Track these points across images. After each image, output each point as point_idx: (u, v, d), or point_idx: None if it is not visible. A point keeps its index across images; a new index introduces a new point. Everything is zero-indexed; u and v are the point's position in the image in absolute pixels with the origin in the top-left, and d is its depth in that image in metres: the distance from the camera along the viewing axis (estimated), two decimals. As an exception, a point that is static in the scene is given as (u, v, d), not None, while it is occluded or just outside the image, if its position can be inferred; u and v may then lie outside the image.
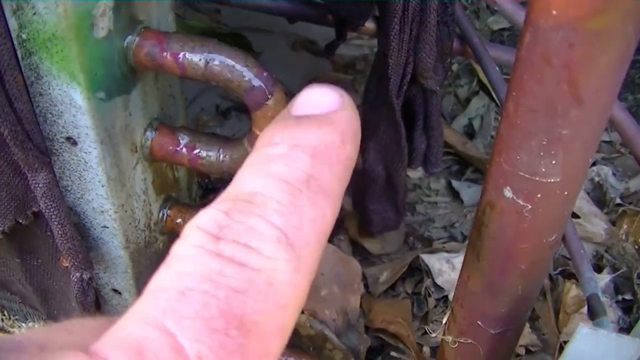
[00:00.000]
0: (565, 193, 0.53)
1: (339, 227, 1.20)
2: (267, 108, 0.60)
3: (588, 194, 1.26)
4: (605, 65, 0.46)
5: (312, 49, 1.60)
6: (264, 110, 0.60)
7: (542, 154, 0.50)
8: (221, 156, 0.67)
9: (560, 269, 1.12)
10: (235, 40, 1.61)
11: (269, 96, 0.60)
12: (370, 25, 0.94)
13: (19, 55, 0.58)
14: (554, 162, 0.50)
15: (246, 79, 0.59)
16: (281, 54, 1.60)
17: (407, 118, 0.94)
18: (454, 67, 1.56)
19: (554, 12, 0.44)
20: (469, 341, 0.67)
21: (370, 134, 0.96)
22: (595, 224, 1.16)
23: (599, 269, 1.13)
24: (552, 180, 0.52)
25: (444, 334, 0.71)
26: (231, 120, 1.47)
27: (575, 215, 1.17)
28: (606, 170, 1.29)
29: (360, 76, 1.54)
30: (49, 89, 0.60)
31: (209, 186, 1.28)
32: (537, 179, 0.52)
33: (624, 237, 1.14)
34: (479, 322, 0.65)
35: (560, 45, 0.45)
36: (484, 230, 0.58)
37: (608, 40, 0.44)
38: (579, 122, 0.48)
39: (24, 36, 0.57)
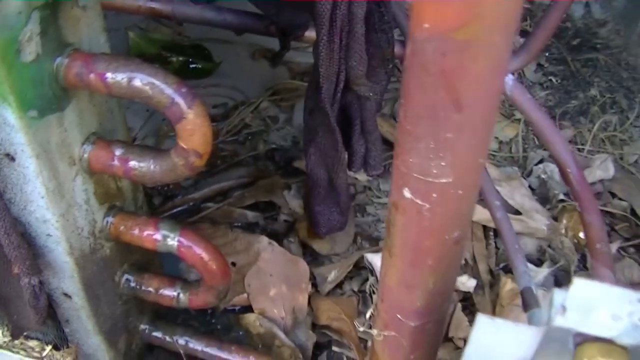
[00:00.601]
0: (460, 192, 0.57)
1: (290, 229, 1.24)
2: (187, 122, 0.64)
3: (534, 190, 1.30)
4: (478, 72, 0.50)
5: (270, 58, 1.65)
6: (184, 124, 0.64)
7: (431, 156, 0.54)
8: (152, 167, 0.71)
9: (502, 264, 1.16)
10: (197, 51, 1.65)
11: (189, 110, 0.64)
12: (312, 34, 0.97)
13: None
14: (443, 163, 0.54)
15: (165, 94, 0.63)
16: (241, 63, 1.65)
17: (347, 123, 0.98)
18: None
19: (426, 25, 0.48)
20: (393, 334, 0.71)
21: (310, 140, 0.99)
22: (537, 220, 1.20)
23: (541, 263, 1.17)
24: (445, 181, 0.55)
25: (370, 328, 0.75)
26: (192, 129, 1.50)
27: (517, 212, 1.21)
28: (552, 167, 1.32)
29: (318, 83, 1.57)
30: (-17, 108, 0.64)
31: (168, 194, 1.32)
32: (430, 179, 0.55)
33: (563, 232, 1.18)
34: (399, 316, 0.69)
35: (434, 54, 0.49)
36: (391, 229, 0.62)
37: (477, 49, 0.48)
38: (461, 126, 0.52)
39: (-44, 60, 0.61)
